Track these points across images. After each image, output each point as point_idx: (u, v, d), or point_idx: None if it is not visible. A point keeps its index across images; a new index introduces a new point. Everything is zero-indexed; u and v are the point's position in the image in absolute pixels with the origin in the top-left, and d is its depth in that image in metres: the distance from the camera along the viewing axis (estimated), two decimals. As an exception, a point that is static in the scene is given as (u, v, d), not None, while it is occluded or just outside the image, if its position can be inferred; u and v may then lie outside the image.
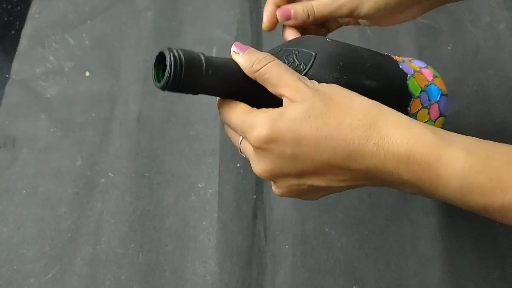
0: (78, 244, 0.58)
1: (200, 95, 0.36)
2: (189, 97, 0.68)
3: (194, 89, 0.35)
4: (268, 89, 0.35)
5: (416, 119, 0.43)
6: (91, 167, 0.63)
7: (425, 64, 0.47)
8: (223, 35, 0.73)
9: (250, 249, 0.58)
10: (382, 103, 0.37)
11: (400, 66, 0.43)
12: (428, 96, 0.44)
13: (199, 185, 0.61)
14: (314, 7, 0.44)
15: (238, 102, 0.36)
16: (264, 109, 0.34)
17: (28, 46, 0.73)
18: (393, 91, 0.41)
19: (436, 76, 0.46)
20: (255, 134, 0.33)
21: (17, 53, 0.72)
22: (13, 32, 0.75)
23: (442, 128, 0.42)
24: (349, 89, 0.36)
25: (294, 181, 0.34)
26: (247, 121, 0.34)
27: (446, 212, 0.59)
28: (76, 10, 0.76)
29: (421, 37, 0.72)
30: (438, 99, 0.44)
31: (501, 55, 0.70)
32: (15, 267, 0.57)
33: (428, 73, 0.45)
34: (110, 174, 0.62)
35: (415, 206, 0.59)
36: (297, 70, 0.37)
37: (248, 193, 0.61)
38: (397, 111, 0.34)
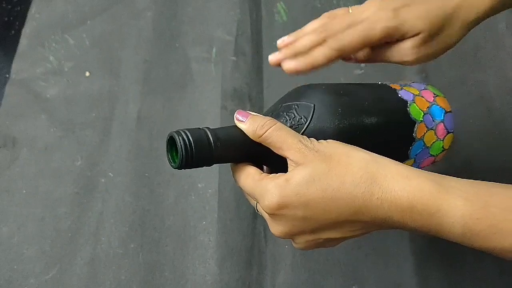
0: (78, 244, 0.58)
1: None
2: (189, 97, 0.69)
3: (208, 163, 0.38)
4: (273, 150, 0.37)
5: (423, 142, 0.43)
6: (91, 167, 0.63)
7: (424, 85, 0.46)
8: (223, 35, 0.73)
9: (250, 249, 0.58)
10: (386, 137, 0.41)
11: (399, 95, 0.43)
12: (432, 117, 0.44)
13: (199, 185, 0.61)
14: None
15: (249, 167, 0.39)
16: (272, 175, 0.37)
17: (28, 46, 0.73)
18: (395, 123, 0.42)
19: (437, 95, 0.45)
20: (267, 203, 0.35)
21: (17, 53, 0.72)
22: (13, 32, 0.75)
23: (452, 142, 0.45)
24: (352, 131, 0.39)
25: (310, 237, 0.37)
26: (258, 190, 0.37)
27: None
28: (76, 10, 0.76)
29: (421, 37, 0.72)
30: (442, 118, 0.44)
31: (501, 55, 0.70)
32: (15, 267, 0.57)
33: (428, 94, 0.45)
34: (110, 174, 0.62)
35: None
36: (299, 124, 0.39)
37: (248, 193, 0.61)
38: (394, 161, 0.36)
